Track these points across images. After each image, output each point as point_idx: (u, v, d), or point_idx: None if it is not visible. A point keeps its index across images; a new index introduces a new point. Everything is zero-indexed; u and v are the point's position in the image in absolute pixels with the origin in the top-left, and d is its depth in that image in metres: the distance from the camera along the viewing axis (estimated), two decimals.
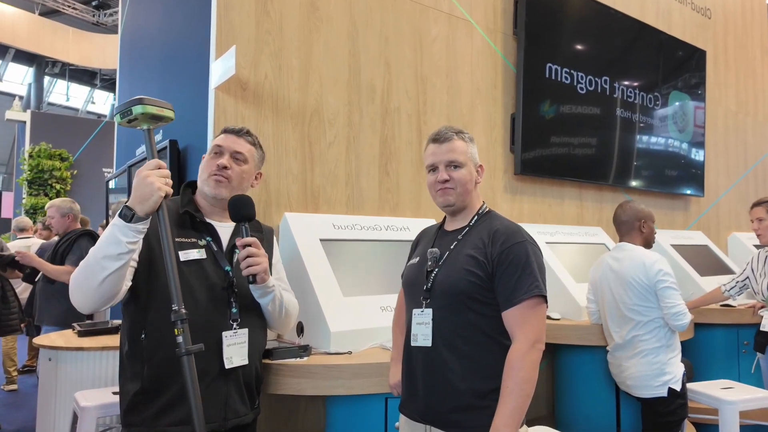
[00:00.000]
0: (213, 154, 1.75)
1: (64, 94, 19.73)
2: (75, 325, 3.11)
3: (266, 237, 1.85)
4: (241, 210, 1.67)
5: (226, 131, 1.79)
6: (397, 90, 3.05)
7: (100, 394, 2.45)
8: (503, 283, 1.53)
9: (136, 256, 1.54)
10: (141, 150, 3.68)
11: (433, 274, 1.63)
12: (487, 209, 1.72)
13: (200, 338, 1.55)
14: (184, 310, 1.35)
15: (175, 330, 1.34)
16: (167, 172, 1.45)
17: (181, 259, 1.59)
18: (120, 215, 1.42)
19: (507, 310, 1.52)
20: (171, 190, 1.43)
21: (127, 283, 1.51)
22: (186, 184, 1.80)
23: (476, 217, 1.69)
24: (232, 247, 1.71)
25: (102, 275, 1.42)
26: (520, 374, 1.45)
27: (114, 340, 2.88)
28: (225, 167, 1.71)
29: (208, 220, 1.71)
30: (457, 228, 1.70)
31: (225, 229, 1.74)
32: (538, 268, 1.55)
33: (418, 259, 1.75)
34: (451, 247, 1.65)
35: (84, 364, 2.75)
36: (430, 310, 1.60)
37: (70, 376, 2.74)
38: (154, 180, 1.40)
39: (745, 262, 3.49)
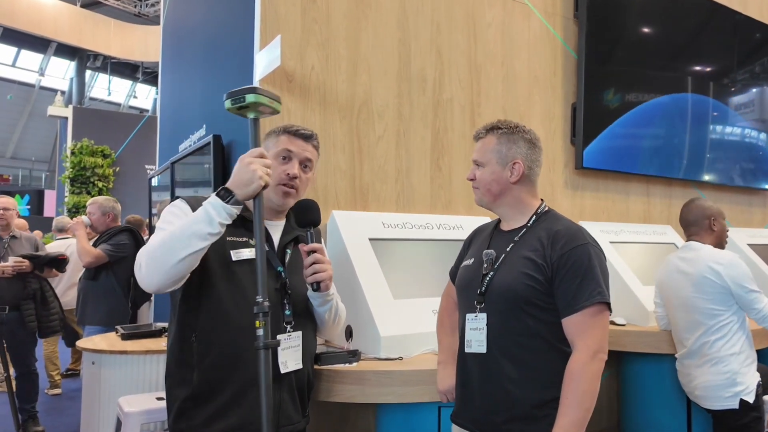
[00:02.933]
0: (280, 158, 1.70)
1: (106, 88, 20.46)
2: (118, 327, 3.18)
3: (315, 238, 1.84)
4: (308, 215, 1.68)
5: (294, 134, 1.73)
6: (449, 80, 3.00)
7: (144, 399, 2.47)
8: (563, 288, 1.51)
9: None
10: (184, 146, 3.75)
11: (488, 278, 1.62)
12: (546, 209, 1.69)
13: (254, 340, 1.56)
14: (267, 303, 1.38)
15: (257, 322, 1.37)
16: (269, 161, 1.49)
17: (233, 258, 1.59)
18: (218, 195, 1.45)
19: (567, 317, 1.50)
20: (270, 180, 1.47)
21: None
22: None
23: (534, 217, 1.66)
24: (284, 247, 1.71)
25: (184, 252, 1.42)
26: (581, 386, 1.44)
27: (158, 343, 2.93)
28: (295, 177, 1.69)
29: None
30: (514, 228, 1.68)
31: (276, 228, 1.73)
32: (601, 272, 1.52)
33: (472, 260, 1.73)
34: (507, 249, 1.63)
35: (128, 368, 2.79)
36: (484, 315, 1.60)
37: (114, 380, 2.79)
38: (257, 168, 1.43)
39: None
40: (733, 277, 2.48)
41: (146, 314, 4.61)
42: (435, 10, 2.97)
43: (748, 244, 4.02)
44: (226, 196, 1.44)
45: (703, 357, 2.52)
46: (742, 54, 4.42)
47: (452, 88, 3.01)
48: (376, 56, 2.76)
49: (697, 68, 4.13)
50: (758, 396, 2.49)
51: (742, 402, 2.45)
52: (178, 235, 1.44)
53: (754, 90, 4.52)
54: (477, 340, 1.59)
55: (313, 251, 1.62)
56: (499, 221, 1.78)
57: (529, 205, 1.68)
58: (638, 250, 3.45)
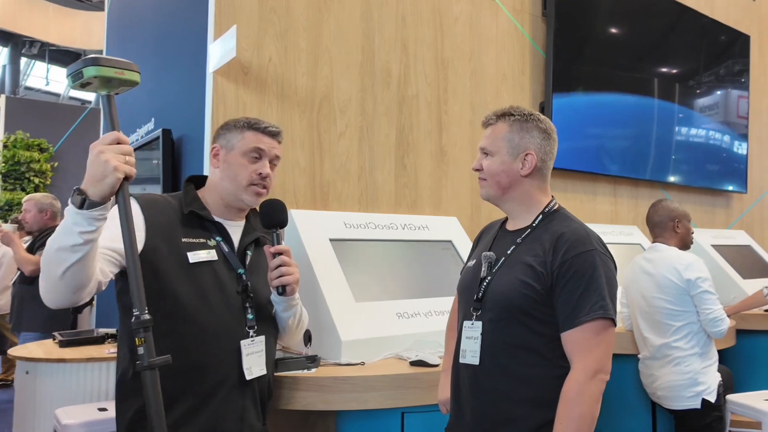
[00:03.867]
0: (251, 156, 1.70)
1: (44, 77, 19.78)
2: (56, 334, 3.09)
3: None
4: (275, 216, 1.67)
5: (263, 131, 1.72)
6: (415, 75, 3.04)
7: (84, 410, 2.43)
8: (563, 299, 1.43)
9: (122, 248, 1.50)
10: (130, 140, 3.68)
11: (485, 282, 1.55)
12: (556, 207, 1.60)
13: (217, 347, 1.56)
14: (147, 316, 1.24)
15: (137, 339, 1.23)
16: (128, 148, 1.29)
17: (191, 261, 1.58)
18: (71, 201, 1.30)
19: (566, 331, 1.42)
20: (133, 171, 1.28)
21: (105, 275, 1.46)
22: (188, 179, 1.78)
23: (541, 216, 1.57)
24: (245, 248, 1.71)
25: (62, 267, 1.33)
26: (576, 409, 1.36)
27: (100, 350, 2.87)
28: (267, 176, 1.70)
29: (217, 219, 1.70)
30: (519, 228, 1.60)
31: (235, 228, 1.73)
32: (606, 283, 1.43)
33: (474, 261, 1.66)
34: (508, 251, 1.56)
35: (66, 377, 2.73)
36: (480, 324, 1.52)
37: (51, 390, 2.72)
38: (110, 158, 1.24)
39: None
40: (691, 277, 2.62)
41: (88, 319, 4.49)
42: (400, 2, 3.00)
43: (712, 245, 4.21)
44: (78, 201, 1.28)
45: (665, 357, 2.64)
46: (707, 56, 4.63)
47: (418, 84, 3.04)
48: (338, 49, 2.77)
49: (664, 70, 4.30)
50: (719, 396, 2.62)
51: (704, 402, 2.57)
52: (50, 250, 1.35)
53: (719, 92, 4.74)
54: (471, 350, 1.53)
55: (280, 253, 1.61)
56: (506, 219, 1.70)
57: (537, 202, 1.59)
58: None
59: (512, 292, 1.48)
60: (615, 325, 1.44)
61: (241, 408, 1.60)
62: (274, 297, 1.66)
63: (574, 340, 1.41)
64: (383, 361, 2.14)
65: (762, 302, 3.39)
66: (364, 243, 2.56)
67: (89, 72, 1.26)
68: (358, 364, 2.07)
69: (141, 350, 1.23)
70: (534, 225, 1.56)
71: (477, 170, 1.62)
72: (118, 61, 1.30)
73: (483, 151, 1.61)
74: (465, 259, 2.67)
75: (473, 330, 1.53)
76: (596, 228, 3.64)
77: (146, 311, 1.25)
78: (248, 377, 1.60)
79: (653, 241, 2.90)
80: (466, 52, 3.27)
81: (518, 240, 1.56)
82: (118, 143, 1.28)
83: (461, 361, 1.56)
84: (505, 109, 1.61)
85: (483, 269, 1.57)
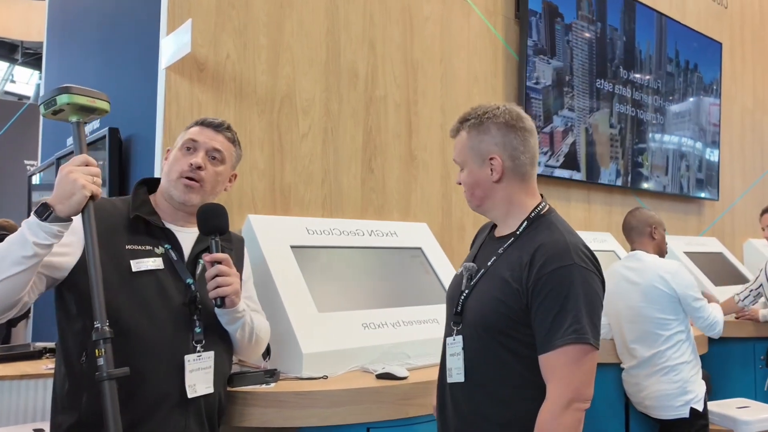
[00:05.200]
0: (185, 149, 1.71)
1: None
2: None
3: (236, 249, 1.84)
4: (212, 221, 1.65)
5: (203, 124, 1.76)
6: (383, 75, 3.07)
7: (18, 431, 2.38)
8: (539, 319, 1.38)
9: (62, 262, 1.52)
10: (72, 140, 3.62)
11: (463, 296, 1.54)
12: (543, 211, 1.53)
13: (157, 362, 1.55)
14: (107, 328, 1.35)
15: (96, 351, 1.33)
16: (96, 170, 1.45)
17: (133, 269, 1.57)
18: (36, 212, 1.39)
19: (542, 354, 1.38)
20: (99, 191, 1.42)
21: (30, 298, 1.48)
22: (140, 182, 1.78)
23: (525, 222, 1.51)
24: (195, 256, 1.69)
25: None
26: None
27: (36, 366, 2.79)
28: (199, 167, 1.68)
29: (167, 225, 1.69)
30: (504, 235, 1.56)
31: (187, 235, 1.72)
32: (585, 302, 1.37)
33: (461, 269, 1.62)
34: (489, 263, 1.52)
35: None
36: (460, 338, 1.51)
37: None
38: (78, 177, 1.39)
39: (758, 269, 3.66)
40: (681, 285, 2.74)
41: (23, 333, 4.37)
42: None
43: (684, 252, 4.41)
44: (43, 212, 1.38)
45: (654, 367, 2.74)
46: (680, 63, 4.83)
47: (386, 85, 3.08)
48: (301, 46, 2.79)
49: (638, 75, 4.45)
50: (705, 404, 2.75)
51: (692, 410, 2.68)
52: None
53: (691, 99, 4.94)
54: (456, 367, 1.51)
55: (217, 262, 1.60)
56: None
57: (521, 205, 1.53)
58: None
59: (487, 310, 1.46)
60: (597, 348, 1.39)
61: (182, 428, 1.58)
62: (216, 309, 1.65)
63: (550, 365, 1.37)
64: (348, 374, 2.14)
65: (734, 309, 3.56)
66: (327, 250, 2.57)
67: (62, 99, 1.44)
68: (320, 377, 2.07)
69: (101, 361, 1.32)
70: (518, 233, 1.51)
71: (459, 184, 1.62)
72: (89, 90, 1.48)
73: (457, 163, 1.62)
74: (434, 267, 2.74)
75: (454, 346, 1.52)
76: None
77: (107, 323, 1.35)
78: (191, 395, 1.58)
79: (631, 248, 3.00)
80: (437, 53, 3.32)
81: (500, 250, 1.51)
82: (87, 165, 1.43)
83: (449, 380, 1.54)
84: (464, 114, 1.59)
85: (464, 281, 1.56)
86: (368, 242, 2.71)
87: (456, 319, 1.54)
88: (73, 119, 1.47)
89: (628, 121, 4.39)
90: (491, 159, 1.51)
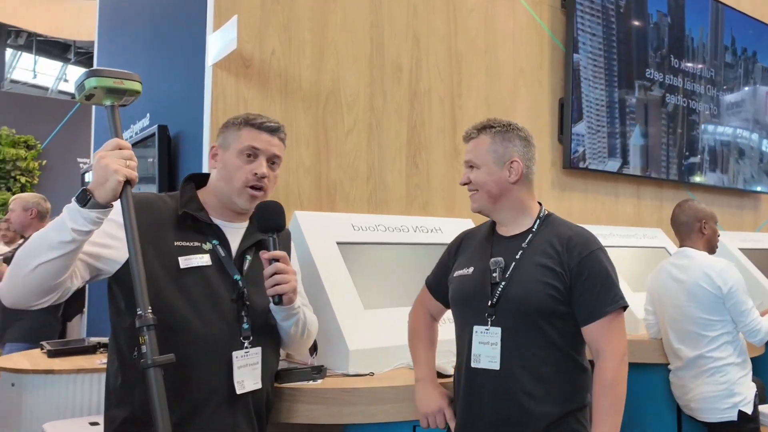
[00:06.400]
0: (245, 156, 1.68)
1: (31, 70, 19.88)
2: (44, 344, 3.09)
3: (283, 243, 1.82)
4: (272, 219, 1.65)
5: (259, 127, 1.71)
6: (427, 69, 3.04)
7: (74, 425, 2.43)
8: (584, 295, 1.62)
9: (111, 255, 1.53)
10: (126, 136, 3.69)
11: (499, 288, 1.67)
12: (547, 212, 1.78)
13: (206, 358, 1.55)
14: (151, 315, 1.33)
15: (140, 338, 1.32)
16: (128, 152, 1.41)
17: (182, 266, 1.58)
18: (76, 198, 1.39)
19: (590, 324, 1.62)
20: (134, 174, 1.39)
21: (76, 278, 1.48)
22: (187, 178, 1.78)
23: (538, 221, 1.74)
24: (243, 252, 1.70)
25: (35, 262, 1.37)
26: (616, 392, 1.57)
27: (91, 360, 2.86)
28: (263, 177, 1.68)
29: (214, 221, 1.69)
30: (518, 233, 1.75)
31: (234, 231, 1.72)
32: (615, 276, 1.66)
33: (472, 269, 1.76)
34: (517, 255, 1.69)
35: (54, 389, 2.71)
36: (498, 330, 1.65)
37: (38, 404, 2.70)
38: (110, 162, 1.36)
39: None
40: (726, 284, 2.61)
41: (78, 328, 4.50)
42: None
43: (740, 249, 4.22)
44: (83, 199, 1.37)
45: (699, 368, 2.64)
46: (735, 51, 4.64)
47: (430, 78, 3.04)
48: (345, 41, 2.78)
49: (690, 65, 4.30)
50: (755, 407, 2.63)
51: (741, 413, 2.58)
52: (32, 244, 1.41)
53: (746, 89, 4.74)
54: (488, 355, 1.65)
55: (275, 259, 1.59)
56: (493, 225, 1.82)
57: (530, 207, 1.76)
58: (628, 255, 3.56)
59: (535, 294, 1.63)
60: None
61: (231, 425, 1.59)
62: (272, 306, 1.65)
63: (601, 330, 1.61)
64: (393, 371, 2.13)
65: None
66: (373, 246, 2.56)
67: (90, 83, 1.40)
68: (366, 374, 2.06)
69: (144, 348, 1.31)
70: (534, 229, 1.72)
71: (465, 184, 1.78)
72: (118, 71, 1.43)
73: (468, 164, 1.77)
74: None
75: (489, 335, 1.65)
76: (618, 230, 3.74)
77: (149, 310, 1.33)
78: (239, 391, 1.58)
79: (680, 244, 2.90)
80: (481, 45, 3.27)
81: (523, 244, 1.70)
82: (120, 149, 1.39)
83: (474, 365, 1.67)
84: (484, 122, 1.77)
85: (494, 275, 1.69)
86: (413, 238, 2.70)
87: (490, 311, 1.66)
88: (107, 102, 1.44)
89: (680, 112, 4.25)
90: (512, 162, 1.72)
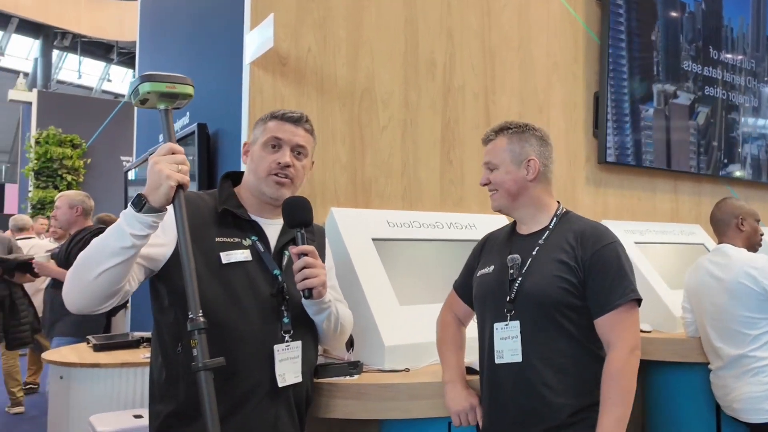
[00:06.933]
0: (269, 147, 1.71)
1: (76, 70, 20.34)
2: (90, 338, 3.15)
3: (317, 239, 1.84)
4: (298, 214, 1.65)
5: (282, 118, 1.73)
6: (461, 65, 3.01)
7: (119, 417, 2.47)
8: (597, 288, 1.63)
9: (158, 254, 1.55)
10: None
11: (516, 284, 1.71)
12: (565, 210, 1.81)
13: (248, 352, 1.56)
14: (202, 318, 1.34)
15: (191, 341, 1.33)
16: (181, 157, 1.42)
17: (223, 261, 1.59)
18: (132, 203, 1.41)
19: (602, 316, 1.63)
20: (186, 179, 1.40)
21: (131, 287, 1.51)
22: (225, 176, 1.80)
23: (555, 219, 1.77)
24: (281, 248, 1.70)
25: (98, 269, 1.40)
26: (622, 383, 1.57)
27: (135, 355, 2.92)
28: (287, 166, 1.69)
29: (253, 218, 1.71)
30: (536, 231, 1.78)
31: (273, 227, 1.73)
32: (630, 270, 1.67)
33: (492, 267, 1.81)
34: (533, 252, 1.73)
35: (100, 382, 2.77)
36: (516, 323, 1.68)
37: (85, 396, 2.76)
38: (163, 167, 1.38)
39: None
40: (766, 280, 2.53)
41: (122, 323, 4.60)
42: None
43: None
44: (138, 203, 1.39)
45: (742, 368, 2.57)
46: None
47: (464, 74, 3.02)
48: (379, 38, 2.77)
49: (729, 56, 4.17)
50: None
51: None
52: (93, 251, 1.43)
53: None
54: (510, 349, 1.68)
55: (304, 254, 1.59)
56: (514, 225, 1.87)
57: (548, 205, 1.80)
58: (665, 251, 3.49)
59: (549, 288, 1.65)
60: (639, 305, 1.67)
61: (273, 417, 1.60)
62: (303, 301, 1.65)
63: (611, 322, 1.62)
64: (429, 367, 2.12)
65: None
66: (407, 243, 2.55)
67: (144, 88, 1.43)
68: (402, 370, 2.06)
69: (195, 352, 1.32)
70: (551, 226, 1.76)
71: (485, 185, 1.83)
72: (170, 76, 1.45)
73: (487, 166, 1.82)
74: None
75: (509, 330, 1.69)
76: (655, 227, 3.67)
77: (200, 313, 1.34)
78: (281, 384, 1.59)
79: (718, 241, 2.84)
80: (515, 39, 3.22)
81: (540, 241, 1.74)
82: (173, 153, 1.41)
83: (498, 362, 1.70)
84: (501, 124, 1.83)
85: (511, 271, 1.72)
86: (448, 235, 2.68)
87: (508, 306, 1.70)
88: (161, 106, 1.46)
89: (719, 104, 4.12)
90: (529, 160, 1.76)
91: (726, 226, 2.79)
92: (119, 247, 1.40)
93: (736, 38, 4.25)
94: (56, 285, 3.79)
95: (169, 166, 1.38)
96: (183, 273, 1.36)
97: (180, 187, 1.39)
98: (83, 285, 1.44)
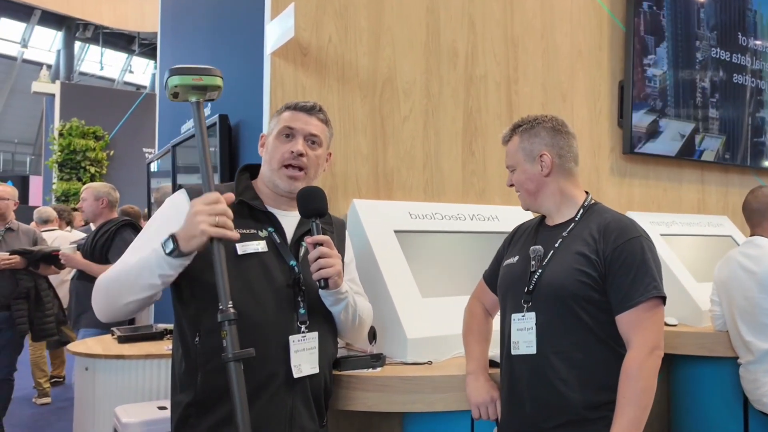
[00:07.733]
0: (282, 136, 1.71)
1: (98, 62, 20.53)
2: (114, 329, 3.18)
3: (337, 232, 1.83)
4: (311, 204, 1.64)
5: (296, 108, 1.74)
6: (483, 54, 2.97)
7: (144, 408, 2.49)
8: (617, 283, 1.58)
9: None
10: (186, 127, 3.76)
11: (536, 275, 1.69)
12: (593, 201, 1.77)
13: (263, 342, 1.55)
14: (232, 310, 1.35)
15: (222, 332, 1.35)
16: (222, 207, 1.41)
17: (239, 252, 1.59)
18: (163, 244, 1.43)
19: (622, 313, 1.57)
20: (222, 233, 1.39)
21: (159, 294, 1.56)
22: (242, 169, 1.80)
23: (581, 210, 1.74)
24: (298, 239, 1.70)
25: (131, 297, 1.50)
26: (639, 384, 1.51)
27: (159, 346, 2.94)
28: (301, 154, 1.68)
29: (269, 209, 1.70)
30: (561, 223, 1.76)
31: (289, 219, 1.72)
32: (655, 266, 1.60)
33: (517, 258, 1.79)
34: (556, 244, 1.70)
35: (125, 374, 2.80)
36: (532, 314, 1.66)
37: (110, 387, 2.79)
38: (202, 220, 1.37)
39: None
40: None
41: (146, 315, 4.65)
42: None
43: None
44: (168, 248, 1.42)
45: None
46: None
47: (486, 63, 2.97)
48: (401, 27, 2.73)
49: (758, 42, 4.06)
50: None
51: None
52: (124, 279, 1.51)
53: None
54: (525, 341, 1.66)
55: (319, 244, 1.59)
56: (543, 217, 1.85)
57: (573, 196, 1.76)
58: (692, 244, 3.44)
59: (568, 281, 1.62)
60: (664, 304, 1.60)
61: (289, 408, 1.59)
62: (320, 291, 1.65)
63: (631, 320, 1.56)
64: (451, 360, 2.11)
65: None
66: (430, 234, 2.53)
67: (172, 81, 1.44)
68: (425, 363, 2.05)
69: (225, 343, 1.34)
70: (576, 219, 1.72)
71: (511, 186, 1.84)
72: (197, 68, 1.45)
73: (509, 168, 1.84)
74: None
75: (525, 321, 1.67)
76: (681, 218, 3.60)
77: (230, 304, 1.36)
78: (296, 375, 1.58)
79: (751, 233, 2.77)
80: (538, 27, 3.17)
81: (564, 233, 1.71)
82: (215, 203, 1.41)
83: (514, 353, 1.68)
84: (514, 123, 1.84)
85: (532, 263, 1.71)
86: (470, 227, 2.65)
87: (526, 297, 1.68)
88: (192, 99, 1.46)
89: (747, 92, 4.02)
90: (541, 156, 1.74)
91: (761, 216, 2.71)
92: (149, 284, 1.47)
93: (766, 25, 4.14)
94: (82, 276, 3.83)
95: (208, 219, 1.38)
96: (214, 265, 1.38)
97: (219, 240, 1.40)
98: (113, 309, 1.54)
